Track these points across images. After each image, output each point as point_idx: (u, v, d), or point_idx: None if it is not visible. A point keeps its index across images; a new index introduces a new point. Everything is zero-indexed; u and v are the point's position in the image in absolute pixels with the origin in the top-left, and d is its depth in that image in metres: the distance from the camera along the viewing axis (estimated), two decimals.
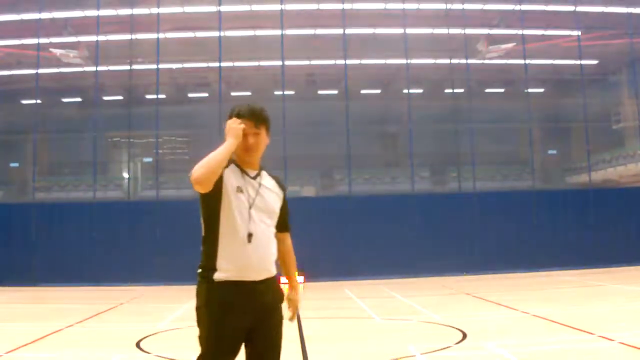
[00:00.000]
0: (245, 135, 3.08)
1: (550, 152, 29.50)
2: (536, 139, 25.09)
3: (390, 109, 27.25)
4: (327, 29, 23.79)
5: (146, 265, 18.68)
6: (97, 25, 21.50)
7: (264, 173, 3.19)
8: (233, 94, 27.40)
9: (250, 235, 2.94)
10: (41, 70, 22.07)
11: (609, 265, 18.90)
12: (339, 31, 22.04)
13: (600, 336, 7.28)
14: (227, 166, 2.99)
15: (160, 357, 6.95)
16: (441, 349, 7.01)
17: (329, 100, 26.53)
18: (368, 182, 25.73)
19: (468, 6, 22.81)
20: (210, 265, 2.93)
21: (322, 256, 18.62)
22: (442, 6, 23.21)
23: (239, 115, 3.15)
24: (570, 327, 8.16)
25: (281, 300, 3.17)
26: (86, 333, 9.19)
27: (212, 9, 22.17)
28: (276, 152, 21.62)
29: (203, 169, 2.79)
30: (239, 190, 2.97)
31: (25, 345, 7.84)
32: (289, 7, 22.35)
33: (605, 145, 26.05)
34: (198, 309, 2.97)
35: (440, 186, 27.14)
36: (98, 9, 21.63)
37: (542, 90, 27.78)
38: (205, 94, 27.56)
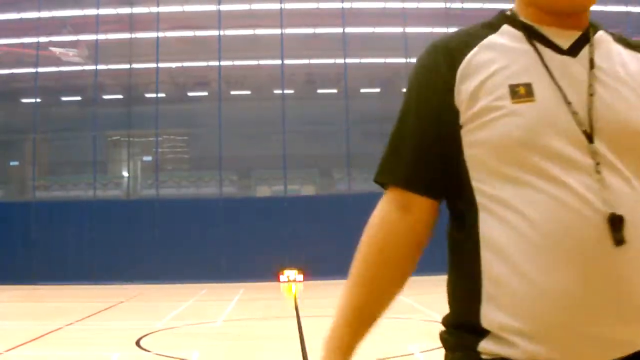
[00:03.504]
0: None
1: None
2: None
3: (390, 109, 27.18)
4: (327, 28, 23.79)
5: (145, 263, 18.69)
6: (97, 24, 21.51)
7: (600, 37, 1.22)
8: (233, 92, 27.38)
9: (619, 220, 1.03)
10: (41, 69, 22.08)
11: None
12: (339, 30, 22.04)
13: None
14: (480, 35, 1.21)
15: (160, 355, 6.95)
16: (441, 348, 7.01)
17: (329, 99, 26.49)
18: (368, 181, 25.69)
19: (467, 5, 22.82)
20: (467, 318, 1.13)
21: (322, 255, 18.63)
22: (441, 5, 23.22)
23: None
24: None
25: None
26: (86, 331, 9.19)
27: (212, 7, 22.17)
28: (276, 150, 21.65)
29: None
30: (523, 95, 1.09)
31: (25, 343, 7.85)
32: (288, 6, 22.36)
33: None
34: None
35: None
36: (97, 8, 21.64)
37: None
38: (205, 93, 27.53)
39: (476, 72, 1.14)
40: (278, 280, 19.02)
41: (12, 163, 27.79)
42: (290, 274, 19.11)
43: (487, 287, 1.08)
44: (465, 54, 1.16)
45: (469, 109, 1.12)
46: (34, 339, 8.17)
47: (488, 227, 1.09)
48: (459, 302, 1.18)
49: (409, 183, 1.18)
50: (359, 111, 23.31)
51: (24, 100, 25.61)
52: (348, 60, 22.18)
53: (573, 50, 1.16)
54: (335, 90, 25.94)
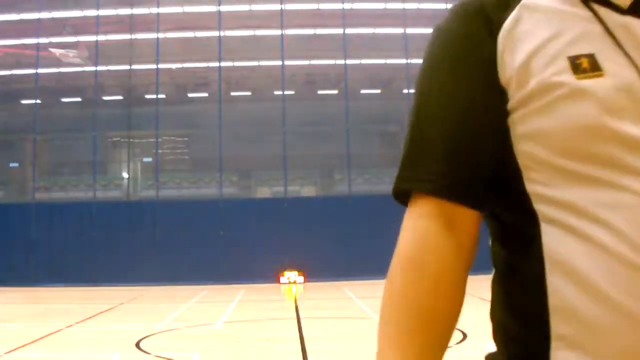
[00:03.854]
0: None
1: None
2: None
3: (390, 109, 27.27)
4: (327, 29, 23.80)
5: (146, 265, 18.67)
6: (97, 25, 21.52)
7: None
8: (233, 93, 27.39)
9: None
10: (41, 70, 22.09)
11: None
12: (339, 31, 22.04)
13: None
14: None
15: (160, 357, 6.93)
16: None
17: (329, 100, 26.50)
18: (368, 182, 25.69)
19: None
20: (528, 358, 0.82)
21: (322, 256, 18.62)
22: (442, 6, 23.21)
23: None
24: None
25: None
26: (86, 333, 9.18)
27: (212, 8, 22.18)
28: (276, 151, 21.64)
29: None
30: (588, 69, 0.80)
31: (25, 345, 7.83)
32: (289, 7, 22.37)
33: None
34: None
35: None
36: (97, 9, 21.66)
37: None
38: (205, 94, 27.54)
39: (522, 40, 0.85)
40: (278, 281, 19.01)
41: (12, 164, 27.80)
42: (291, 275, 19.10)
43: (558, 324, 0.79)
44: (504, 17, 0.87)
45: (520, 88, 0.83)
46: (34, 341, 8.16)
47: (557, 244, 0.80)
48: (513, 341, 0.87)
49: (454, 192, 0.86)
50: (360, 112, 23.33)
51: (24, 101, 25.62)
52: (348, 61, 22.18)
53: (637, 9, 0.85)
54: (335, 91, 25.94)
